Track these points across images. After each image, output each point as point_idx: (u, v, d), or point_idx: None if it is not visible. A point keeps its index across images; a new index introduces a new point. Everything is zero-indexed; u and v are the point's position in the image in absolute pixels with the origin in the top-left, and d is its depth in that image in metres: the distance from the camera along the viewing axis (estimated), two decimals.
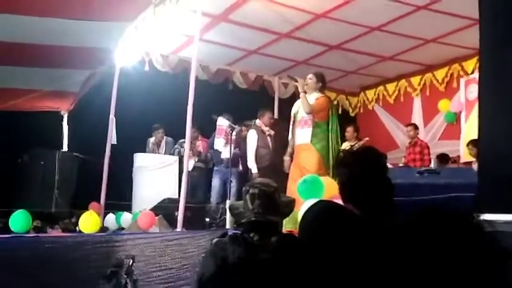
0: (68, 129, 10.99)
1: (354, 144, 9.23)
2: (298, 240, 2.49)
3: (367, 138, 9.07)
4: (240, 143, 8.85)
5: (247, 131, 8.64)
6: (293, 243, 2.52)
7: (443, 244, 1.00)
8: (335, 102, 10.80)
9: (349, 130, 9.06)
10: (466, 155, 8.30)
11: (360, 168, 2.30)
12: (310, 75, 6.56)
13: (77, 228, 7.27)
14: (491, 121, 2.18)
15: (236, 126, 7.98)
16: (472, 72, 8.96)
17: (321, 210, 2.30)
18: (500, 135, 2.10)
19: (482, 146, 2.20)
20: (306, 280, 1.71)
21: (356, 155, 2.48)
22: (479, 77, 2.34)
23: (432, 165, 7.33)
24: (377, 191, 2.19)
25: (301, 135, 6.44)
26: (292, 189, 5.63)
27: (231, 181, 7.92)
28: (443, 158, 8.39)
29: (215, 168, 9.12)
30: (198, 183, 9.30)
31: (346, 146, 8.60)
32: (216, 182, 8.98)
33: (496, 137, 2.13)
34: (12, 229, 6.31)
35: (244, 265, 2.12)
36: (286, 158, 6.77)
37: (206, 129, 9.38)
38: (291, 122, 6.69)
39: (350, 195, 2.27)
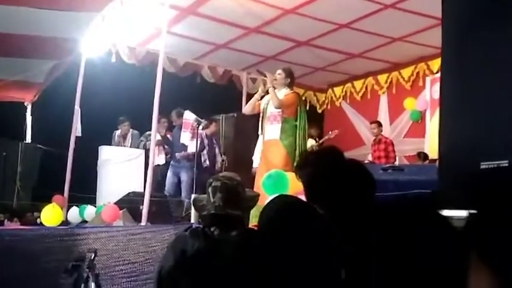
0: (32, 120, 10.79)
1: (323, 140, 9.31)
2: (257, 234, 2.49)
3: (336, 131, 9.15)
4: (207, 137, 8.84)
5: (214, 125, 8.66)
6: (252, 238, 2.51)
7: (400, 239, 1.01)
8: (303, 99, 10.84)
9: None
10: (432, 152, 8.42)
11: (322, 168, 2.32)
12: (279, 71, 6.55)
13: (38, 221, 7.15)
14: (452, 117, 2.21)
15: (202, 121, 7.95)
16: (438, 72, 9.08)
17: (280, 205, 2.31)
18: (459, 131, 2.13)
19: (443, 141, 2.23)
20: (263, 274, 1.71)
21: (318, 154, 2.50)
22: (441, 74, 2.37)
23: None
24: (340, 189, 2.20)
25: (270, 130, 6.42)
26: (259, 184, 5.63)
27: (197, 174, 7.86)
28: (424, 156, 8.61)
29: (171, 163, 9.05)
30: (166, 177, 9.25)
31: (311, 142, 8.66)
32: (169, 176, 8.94)
33: (455, 133, 2.16)
34: None
35: (202, 258, 2.11)
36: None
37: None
38: (260, 117, 6.67)
39: (314, 195, 2.28)
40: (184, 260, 2.50)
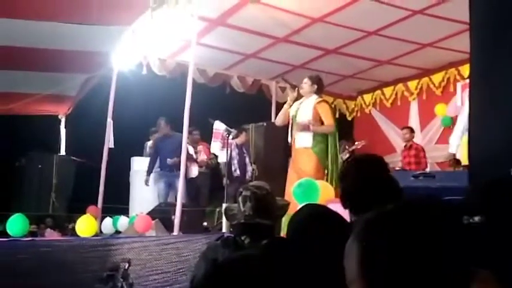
0: (66, 133, 10.98)
1: (351, 149, 9.28)
2: (287, 243, 2.51)
3: (363, 142, 9.13)
4: (237, 147, 8.88)
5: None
6: (281, 246, 2.53)
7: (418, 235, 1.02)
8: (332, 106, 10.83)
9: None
10: (464, 158, 8.31)
11: (356, 178, 2.33)
12: (305, 79, 6.52)
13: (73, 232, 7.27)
14: (481, 123, 2.20)
15: (233, 130, 7.99)
16: (469, 77, 8.97)
17: (307, 215, 2.32)
18: (489, 137, 2.12)
19: (472, 147, 2.22)
20: (291, 284, 1.72)
21: (351, 165, 2.51)
22: (469, 80, 2.37)
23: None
24: (371, 197, 2.21)
25: (301, 138, 6.38)
26: (290, 192, 5.63)
27: (228, 183, 7.88)
28: (456, 162, 8.51)
29: (159, 172, 8.90)
30: (201, 188, 9.29)
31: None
32: (161, 186, 8.85)
33: (485, 139, 2.15)
34: (9, 233, 6.30)
35: (232, 267, 2.14)
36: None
37: (206, 132, 9.37)
38: (290, 125, 6.65)
39: (349, 204, 2.30)
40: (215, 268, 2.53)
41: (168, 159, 8.66)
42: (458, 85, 9.44)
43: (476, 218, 1.96)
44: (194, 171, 9.06)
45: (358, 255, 1.04)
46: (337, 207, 2.41)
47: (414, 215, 1.05)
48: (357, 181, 2.37)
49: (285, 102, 6.92)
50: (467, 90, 8.76)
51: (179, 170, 8.35)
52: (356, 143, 9.33)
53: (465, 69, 9.15)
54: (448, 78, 9.79)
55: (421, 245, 1.00)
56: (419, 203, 1.10)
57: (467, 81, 8.85)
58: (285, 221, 4.11)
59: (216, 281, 1.66)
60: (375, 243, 1.03)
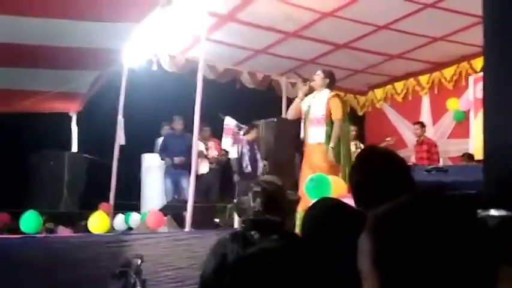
0: (77, 130, 11.02)
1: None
2: (298, 238, 2.50)
3: (394, 138, 9.12)
4: (248, 143, 8.87)
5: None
6: (292, 242, 2.51)
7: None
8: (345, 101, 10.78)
9: (353, 130, 9.03)
10: (477, 153, 8.26)
11: (364, 172, 2.32)
12: (318, 72, 6.49)
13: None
14: (496, 117, 2.17)
15: (243, 126, 7.98)
16: (481, 70, 8.87)
17: (322, 208, 2.31)
18: (505, 129, 2.09)
19: (488, 139, 2.19)
20: (303, 279, 1.71)
21: (360, 159, 2.49)
22: (483, 73, 2.34)
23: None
24: (382, 191, 2.19)
25: (314, 134, 6.34)
26: (303, 188, 5.61)
27: (238, 180, 7.88)
28: (469, 156, 8.47)
29: (166, 168, 9.08)
30: (212, 184, 9.30)
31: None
32: (167, 183, 8.97)
33: (500, 133, 2.13)
34: (22, 230, 6.34)
35: (241, 262, 2.13)
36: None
37: (217, 129, 9.38)
38: (302, 120, 6.61)
39: (359, 199, 2.28)
40: (224, 263, 2.52)
41: (175, 158, 8.72)
42: (471, 79, 9.40)
43: (493, 212, 1.94)
44: (204, 167, 9.08)
45: (370, 250, 1.03)
46: (350, 203, 2.39)
47: (426, 208, 1.03)
48: (365, 175, 2.35)
49: (295, 98, 6.90)
50: (479, 84, 8.79)
51: (185, 168, 8.43)
52: (387, 139, 9.24)
53: (477, 63, 9.11)
54: (460, 72, 9.73)
55: (435, 239, 0.97)
56: (432, 195, 1.08)
57: (480, 74, 8.87)
58: (299, 216, 4.11)
59: (226, 275, 1.66)
60: (388, 238, 1.01)
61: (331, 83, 6.51)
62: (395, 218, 1.03)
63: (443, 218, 1.00)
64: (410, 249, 0.98)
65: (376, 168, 2.31)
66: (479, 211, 1.67)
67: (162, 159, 9.13)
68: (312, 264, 1.96)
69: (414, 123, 9.57)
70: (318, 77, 6.45)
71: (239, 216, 3.05)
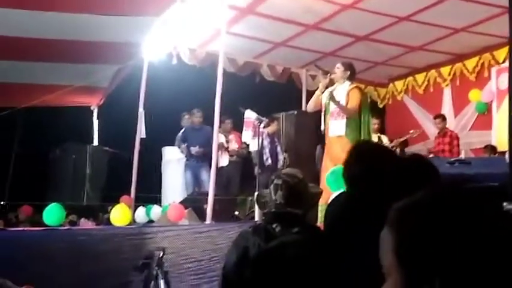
0: (98, 123, 11.11)
1: (404, 138, 9.17)
2: (319, 231, 2.50)
3: (418, 130, 9.08)
4: (269, 136, 8.86)
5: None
6: (314, 234, 2.51)
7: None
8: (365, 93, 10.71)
9: (376, 123, 8.97)
10: (500, 145, 8.17)
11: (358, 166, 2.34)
12: (338, 65, 6.49)
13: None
14: None
15: (264, 119, 7.98)
16: (504, 61, 8.79)
17: (343, 201, 2.31)
18: None
19: None
20: (325, 271, 1.72)
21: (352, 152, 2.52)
22: (509, 63, 2.31)
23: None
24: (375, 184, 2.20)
25: (335, 126, 6.33)
26: (325, 180, 5.60)
27: (259, 172, 7.87)
28: (492, 148, 8.38)
29: (186, 162, 9.11)
30: (232, 177, 9.32)
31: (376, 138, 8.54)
32: (188, 176, 9.00)
33: None
34: (45, 222, 6.41)
35: (263, 255, 2.14)
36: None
37: (238, 122, 9.38)
38: (322, 113, 6.58)
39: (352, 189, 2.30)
40: (246, 256, 2.54)
41: (192, 148, 8.77)
42: (493, 70, 9.27)
43: None
44: (224, 160, 9.09)
45: (393, 244, 1.02)
46: None
47: (449, 201, 1.02)
48: (358, 169, 2.37)
49: (315, 90, 6.88)
50: (502, 75, 8.69)
51: (205, 160, 8.45)
52: (411, 131, 9.16)
53: (500, 54, 8.99)
54: (483, 64, 9.60)
55: (458, 232, 0.97)
56: (455, 188, 1.07)
57: (502, 65, 8.76)
58: (321, 209, 4.11)
59: (248, 267, 1.67)
60: (411, 232, 1.01)
61: (352, 75, 6.50)
62: (418, 212, 1.02)
63: (467, 210, 0.99)
64: (433, 243, 0.97)
65: (369, 162, 2.33)
66: (505, 204, 1.65)
67: (178, 147, 9.15)
68: (332, 257, 1.97)
69: (435, 117, 9.47)
70: (338, 70, 6.44)
71: (260, 209, 3.06)
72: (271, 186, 2.84)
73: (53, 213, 6.48)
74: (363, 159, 2.41)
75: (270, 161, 8.78)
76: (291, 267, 2.19)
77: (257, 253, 2.48)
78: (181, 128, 9.53)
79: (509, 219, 1.03)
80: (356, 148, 2.61)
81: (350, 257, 1.97)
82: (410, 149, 9.69)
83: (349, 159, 2.47)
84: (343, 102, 6.27)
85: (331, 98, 6.26)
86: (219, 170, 7.97)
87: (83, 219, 8.19)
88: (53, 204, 6.63)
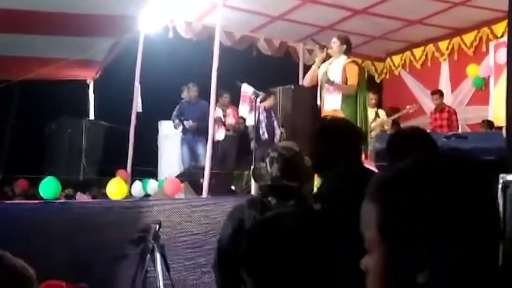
0: (94, 97, 11.06)
1: (400, 114, 9.17)
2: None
3: (415, 106, 9.06)
4: (265, 110, 8.84)
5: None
6: (309, 207, 2.52)
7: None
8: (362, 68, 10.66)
9: (373, 98, 8.95)
10: (497, 120, 8.16)
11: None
12: (334, 39, 6.46)
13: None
14: None
15: (260, 93, 7.94)
16: (502, 36, 8.74)
17: (340, 173, 2.31)
18: None
19: (510, 104, 2.16)
20: (320, 244, 1.71)
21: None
22: (508, 39, 2.28)
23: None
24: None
25: (330, 101, 6.32)
26: None
27: (256, 147, 7.86)
28: (489, 123, 8.39)
29: (182, 136, 9.09)
30: (228, 151, 9.31)
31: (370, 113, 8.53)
32: (184, 150, 9.00)
33: None
34: (42, 195, 6.42)
35: (257, 227, 2.15)
36: None
37: (235, 96, 9.34)
38: (318, 87, 6.57)
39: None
40: (241, 228, 2.54)
41: (185, 122, 8.75)
42: (491, 45, 9.22)
43: None
44: (221, 134, 9.06)
45: (376, 217, 0.95)
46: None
47: (432, 171, 0.95)
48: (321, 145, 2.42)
49: (312, 65, 6.84)
50: (500, 50, 8.63)
51: (201, 135, 8.43)
52: (408, 106, 9.15)
53: (498, 28, 8.93)
54: (481, 38, 9.55)
55: (443, 202, 0.91)
56: (442, 156, 1.02)
57: (501, 40, 8.71)
58: (317, 184, 4.11)
59: (243, 240, 1.67)
60: (395, 203, 0.93)
61: (348, 49, 6.46)
62: (402, 181, 0.95)
63: (455, 178, 0.93)
64: (420, 214, 0.91)
65: (333, 138, 2.39)
66: (502, 175, 1.65)
67: (173, 122, 9.13)
68: (326, 230, 1.96)
69: (432, 93, 9.43)
70: (335, 44, 6.41)
71: (256, 182, 3.06)
72: (267, 159, 2.83)
73: (49, 187, 6.49)
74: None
75: (266, 136, 8.77)
76: (286, 238, 2.18)
77: (252, 224, 2.49)
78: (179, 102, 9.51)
79: (491, 187, 1.00)
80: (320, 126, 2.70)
81: (341, 231, 1.97)
82: (411, 123, 9.64)
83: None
84: (339, 76, 6.25)
85: (327, 80, 6.23)
86: (215, 144, 7.97)
87: (79, 193, 8.19)
88: (49, 177, 6.63)
